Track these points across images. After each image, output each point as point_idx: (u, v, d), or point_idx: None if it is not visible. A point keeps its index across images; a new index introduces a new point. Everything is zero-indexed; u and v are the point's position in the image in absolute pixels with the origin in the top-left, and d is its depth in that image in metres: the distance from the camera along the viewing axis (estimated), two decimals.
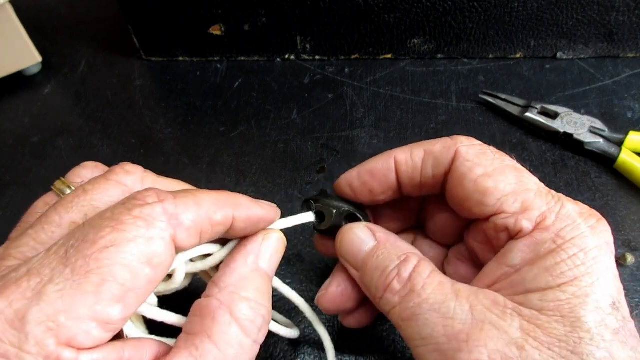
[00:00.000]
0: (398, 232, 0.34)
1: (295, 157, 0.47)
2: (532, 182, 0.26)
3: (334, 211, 0.31)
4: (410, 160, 0.29)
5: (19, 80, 0.56)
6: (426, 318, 0.24)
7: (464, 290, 0.25)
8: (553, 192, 0.26)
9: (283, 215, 0.41)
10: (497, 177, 0.26)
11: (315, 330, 0.34)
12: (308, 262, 0.40)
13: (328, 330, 0.34)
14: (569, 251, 0.24)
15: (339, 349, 0.35)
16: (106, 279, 0.21)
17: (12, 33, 0.52)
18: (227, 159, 0.48)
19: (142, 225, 0.22)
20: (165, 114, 0.52)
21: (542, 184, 0.27)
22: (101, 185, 0.26)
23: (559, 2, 0.49)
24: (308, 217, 0.31)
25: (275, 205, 0.29)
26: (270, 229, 0.29)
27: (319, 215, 0.32)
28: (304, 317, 0.34)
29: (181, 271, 0.26)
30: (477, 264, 0.30)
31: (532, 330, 0.22)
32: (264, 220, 0.28)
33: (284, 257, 0.41)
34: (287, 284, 0.39)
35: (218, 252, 0.28)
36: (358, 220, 0.31)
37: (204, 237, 0.25)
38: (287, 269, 0.40)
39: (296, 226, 0.31)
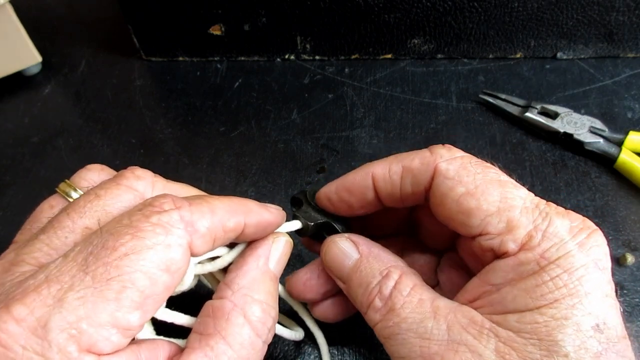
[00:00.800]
0: (389, 237, 0.34)
1: (295, 157, 0.47)
2: (517, 196, 0.25)
3: (311, 224, 0.31)
4: (388, 177, 0.28)
5: (19, 80, 0.56)
6: (404, 338, 0.24)
7: (442, 307, 0.25)
8: (541, 204, 0.25)
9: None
10: (479, 196, 0.25)
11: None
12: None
13: (329, 331, 0.34)
14: (551, 273, 0.23)
15: (338, 350, 0.35)
16: (126, 286, 0.21)
17: (12, 33, 0.52)
18: (227, 159, 0.48)
19: (161, 232, 0.22)
20: (165, 114, 0.52)
21: (529, 196, 0.26)
22: (113, 191, 0.26)
23: (559, 2, 0.49)
24: (295, 225, 0.31)
25: (281, 208, 0.29)
26: (279, 232, 0.30)
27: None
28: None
29: (191, 273, 0.27)
30: (471, 273, 0.29)
31: (507, 353, 0.22)
32: (272, 225, 0.28)
33: None
34: None
35: (227, 255, 0.29)
36: (335, 230, 0.31)
37: (216, 243, 0.25)
38: (287, 269, 0.40)
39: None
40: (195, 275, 0.28)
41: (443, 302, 0.25)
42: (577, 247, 0.23)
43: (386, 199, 0.29)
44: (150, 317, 0.23)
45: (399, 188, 0.28)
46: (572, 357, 0.21)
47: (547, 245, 0.24)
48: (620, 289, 0.38)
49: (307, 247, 0.35)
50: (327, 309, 0.32)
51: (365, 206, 0.30)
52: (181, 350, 0.25)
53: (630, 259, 0.38)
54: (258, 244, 0.28)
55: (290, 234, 0.31)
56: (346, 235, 0.30)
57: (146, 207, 0.23)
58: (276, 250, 0.28)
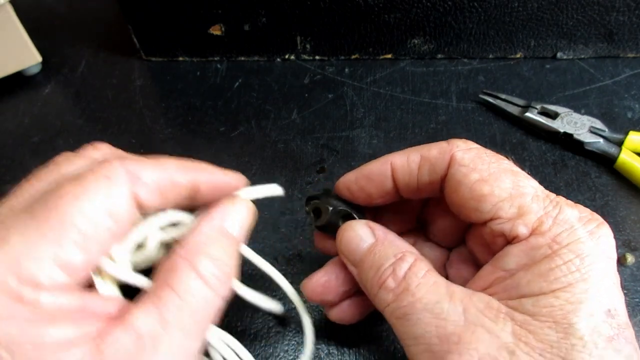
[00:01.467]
0: (399, 234, 0.34)
1: (295, 157, 0.47)
2: (529, 185, 0.26)
3: (330, 209, 0.31)
4: (406, 166, 0.29)
5: (19, 80, 0.56)
6: (419, 318, 0.24)
7: (458, 292, 0.25)
8: (552, 195, 0.26)
9: (282, 211, 0.41)
10: (492, 183, 0.26)
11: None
12: (308, 262, 0.40)
13: (329, 331, 0.34)
14: (564, 257, 0.23)
15: (339, 350, 0.35)
16: (66, 226, 0.22)
17: (12, 33, 0.52)
18: (227, 159, 0.48)
19: (103, 180, 0.24)
20: (165, 114, 0.52)
21: (540, 187, 0.26)
22: (70, 159, 0.27)
23: (559, 2, 0.49)
24: (274, 189, 0.31)
25: (241, 174, 0.30)
26: (238, 195, 0.30)
27: (317, 212, 0.32)
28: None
29: (153, 238, 0.27)
30: (479, 267, 0.29)
31: (523, 335, 0.22)
32: (229, 185, 0.29)
33: (284, 257, 0.41)
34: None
35: (190, 222, 0.29)
36: (353, 218, 0.31)
37: (168, 198, 0.26)
38: (287, 269, 0.40)
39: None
40: (162, 243, 0.28)
41: (458, 288, 0.25)
42: (587, 235, 0.24)
43: (404, 188, 0.30)
44: (94, 260, 0.24)
45: (416, 177, 0.29)
46: (587, 339, 0.22)
47: (558, 230, 0.24)
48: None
49: (317, 245, 0.34)
50: (345, 311, 0.32)
51: (383, 196, 0.30)
52: None
53: (630, 259, 0.39)
54: (212, 207, 0.28)
55: (311, 225, 0.31)
56: (364, 221, 0.30)
57: (93, 163, 0.25)
58: (232, 211, 0.28)
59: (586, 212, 0.25)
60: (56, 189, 0.23)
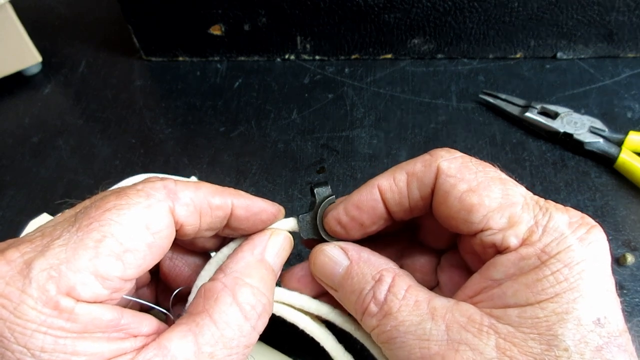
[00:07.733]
0: (388, 237, 0.33)
1: (295, 157, 0.47)
2: (518, 193, 0.26)
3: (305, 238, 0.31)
4: (394, 185, 0.28)
5: (19, 80, 0.56)
6: (403, 341, 0.24)
7: (440, 307, 0.25)
8: (541, 201, 0.26)
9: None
10: (481, 192, 0.25)
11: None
12: None
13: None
14: (552, 267, 0.23)
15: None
16: (106, 236, 0.23)
17: (12, 33, 0.52)
18: (227, 159, 0.48)
19: (143, 195, 0.25)
20: (165, 114, 0.52)
21: (529, 194, 0.26)
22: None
23: (559, 2, 0.49)
24: (289, 223, 0.31)
25: (278, 205, 0.30)
26: (279, 228, 0.30)
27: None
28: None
29: None
30: (471, 272, 0.29)
31: (507, 349, 0.22)
32: (265, 211, 0.29)
33: None
34: None
35: (225, 248, 0.30)
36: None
37: (204, 218, 0.27)
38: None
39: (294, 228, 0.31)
40: None
41: (440, 302, 0.25)
42: (577, 242, 0.24)
43: (395, 209, 0.29)
44: (133, 273, 0.24)
45: (406, 195, 0.28)
46: (573, 351, 0.22)
47: (548, 240, 0.24)
48: (620, 289, 0.38)
49: (307, 247, 0.35)
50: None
51: (376, 222, 0.29)
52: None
53: (630, 259, 0.38)
54: (255, 236, 0.29)
55: (293, 233, 0.31)
56: (334, 242, 0.30)
57: (136, 183, 0.26)
58: (274, 243, 0.29)
59: (577, 216, 0.25)
60: (99, 200, 0.24)
